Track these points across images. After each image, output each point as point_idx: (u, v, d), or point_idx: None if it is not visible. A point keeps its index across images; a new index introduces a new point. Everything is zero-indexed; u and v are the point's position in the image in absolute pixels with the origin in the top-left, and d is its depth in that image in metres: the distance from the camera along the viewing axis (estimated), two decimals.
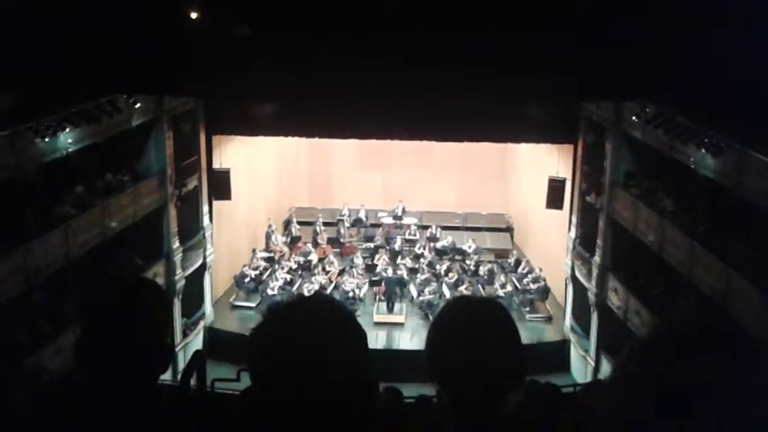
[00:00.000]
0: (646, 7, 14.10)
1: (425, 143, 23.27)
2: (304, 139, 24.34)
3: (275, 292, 21.33)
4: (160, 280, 17.88)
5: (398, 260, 23.77)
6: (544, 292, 22.35)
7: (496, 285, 22.47)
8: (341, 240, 25.96)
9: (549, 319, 21.98)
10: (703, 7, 13.15)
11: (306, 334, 1.65)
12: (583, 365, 20.04)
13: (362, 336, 1.75)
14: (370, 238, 25.89)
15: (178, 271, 19.25)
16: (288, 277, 22.64)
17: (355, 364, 1.68)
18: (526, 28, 15.02)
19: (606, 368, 18.68)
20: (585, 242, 20.14)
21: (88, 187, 16.25)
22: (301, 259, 23.96)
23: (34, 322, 13.90)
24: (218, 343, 20.04)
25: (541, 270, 22.82)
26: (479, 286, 22.77)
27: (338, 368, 1.64)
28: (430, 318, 19.97)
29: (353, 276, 22.65)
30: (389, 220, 26.73)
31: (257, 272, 22.83)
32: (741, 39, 12.71)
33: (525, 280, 22.78)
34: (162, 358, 2.23)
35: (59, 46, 13.88)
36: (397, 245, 24.93)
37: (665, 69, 14.39)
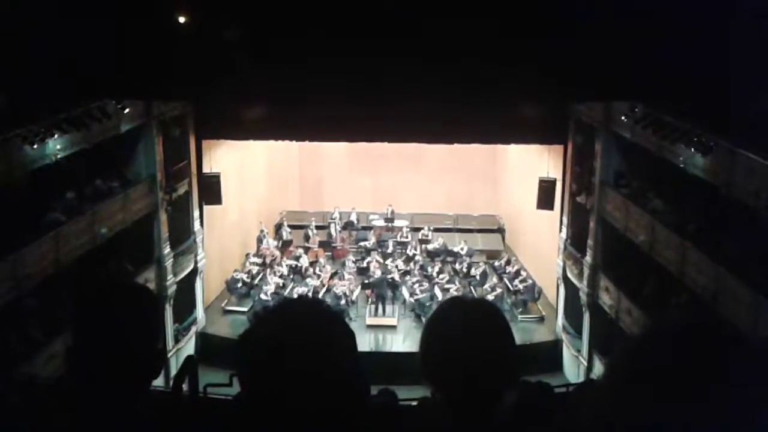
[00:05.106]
0: (636, 8, 14.15)
1: (415, 146, 23.33)
2: (294, 143, 24.32)
3: (268, 296, 21.28)
4: (151, 286, 17.80)
5: (390, 263, 23.75)
6: (535, 292, 22.39)
7: (487, 286, 22.49)
8: (333, 243, 25.95)
9: (541, 320, 22.01)
10: (692, 7, 13.22)
11: (293, 337, 1.64)
12: (575, 365, 20.07)
13: (350, 336, 1.74)
14: (361, 241, 25.88)
15: (170, 276, 19.18)
16: (280, 281, 22.60)
17: (344, 364, 1.67)
18: (516, 29, 15.04)
19: (598, 368, 18.71)
20: (576, 242, 20.18)
21: (78, 193, 16.19)
22: (293, 263, 23.92)
23: (26, 329, 13.84)
24: (210, 348, 20.00)
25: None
26: (471, 287, 22.79)
27: (327, 370, 1.63)
28: (423, 320, 19.96)
29: (345, 279, 22.64)
30: (380, 223, 26.74)
31: (249, 277, 22.78)
32: (729, 39, 12.78)
33: (516, 281, 22.82)
34: (154, 363, 2.22)
35: (47, 51, 13.82)
36: (389, 248, 24.92)
37: (654, 69, 14.43)
